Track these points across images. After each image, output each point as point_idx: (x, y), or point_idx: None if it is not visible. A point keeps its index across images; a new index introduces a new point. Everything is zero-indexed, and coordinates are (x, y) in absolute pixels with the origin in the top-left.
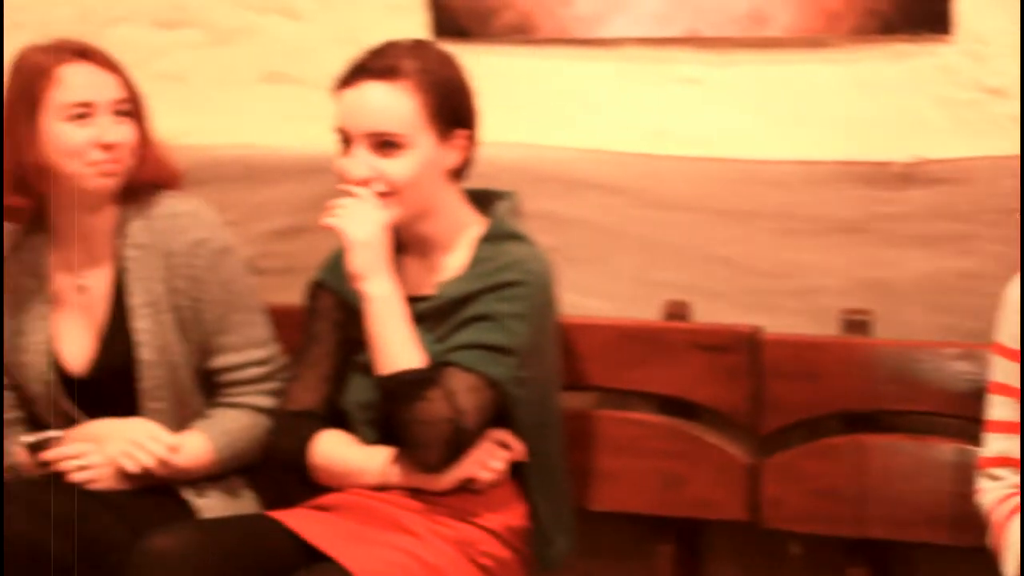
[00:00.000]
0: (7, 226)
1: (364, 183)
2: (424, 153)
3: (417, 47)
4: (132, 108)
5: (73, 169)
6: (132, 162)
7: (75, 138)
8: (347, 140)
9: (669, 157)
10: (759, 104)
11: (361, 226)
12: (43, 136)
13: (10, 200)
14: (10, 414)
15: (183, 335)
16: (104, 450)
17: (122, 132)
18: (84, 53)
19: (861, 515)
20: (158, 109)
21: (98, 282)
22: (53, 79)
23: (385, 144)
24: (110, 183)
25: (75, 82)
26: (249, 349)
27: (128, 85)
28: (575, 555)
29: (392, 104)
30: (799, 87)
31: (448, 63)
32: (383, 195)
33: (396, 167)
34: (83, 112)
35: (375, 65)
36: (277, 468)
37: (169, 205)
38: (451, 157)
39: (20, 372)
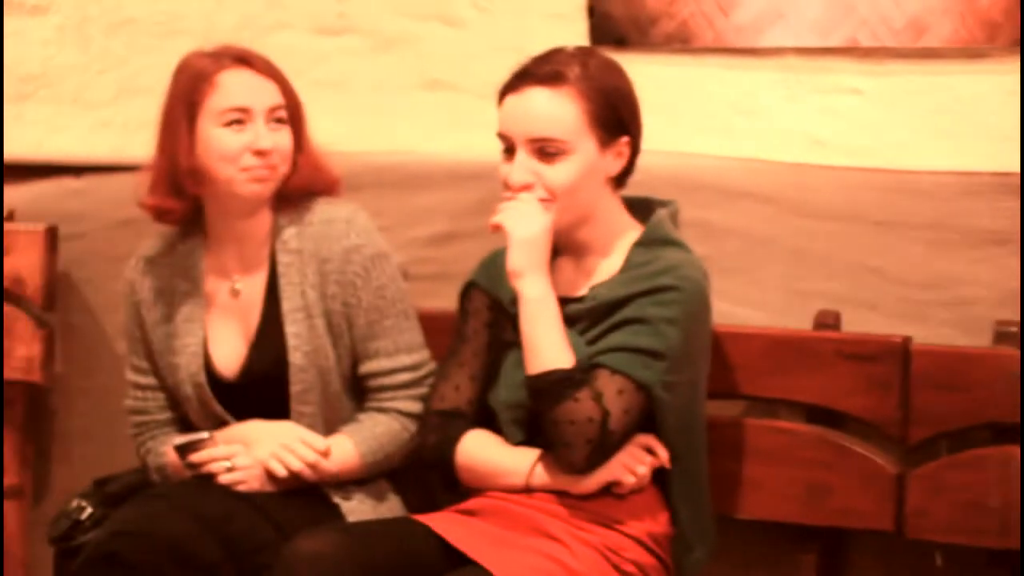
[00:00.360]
0: (163, 228)
1: (525, 188)
2: (585, 159)
3: (582, 53)
4: (289, 115)
5: (227, 174)
6: (287, 169)
7: (230, 143)
8: (509, 145)
9: (823, 167)
10: (916, 114)
11: (525, 225)
12: (200, 140)
13: (163, 202)
14: (162, 415)
15: (334, 340)
16: (253, 452)
17: (277, 139)
18: (244, 59)
19: (1006, 526)
20: (317, 115)
21: (251, 286)
22: (212, 84)
23: (547, 150)
24: (263, 189)
25: (233, 88)
26: (399, 355)
27: (287, 92)
28: (719, 563)
29: (555, 110)
30: (957, 98)
31: (613, 70)
32: (543, 200)
33: (556, 173)
34: (239, 118)
35: (540, 71)
36: (423, 466)
37: (324, 211)
38: (612, 164)
39: (172, 374)
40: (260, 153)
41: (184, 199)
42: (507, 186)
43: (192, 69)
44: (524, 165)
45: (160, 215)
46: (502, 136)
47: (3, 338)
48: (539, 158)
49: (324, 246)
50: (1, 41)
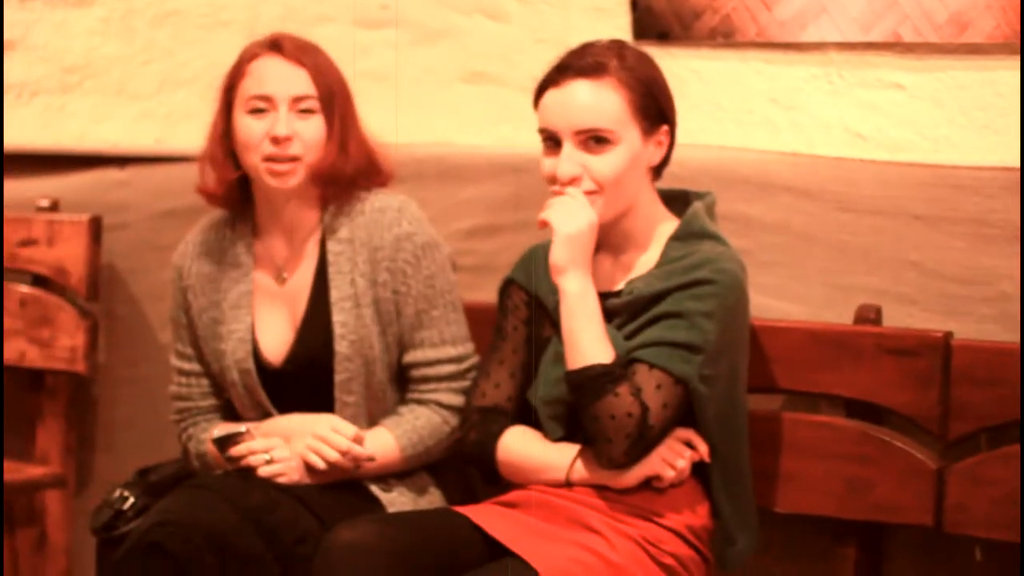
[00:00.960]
0: (212, 215)
1: (573, 181)
2: (631, 149)
3: (617, 46)
4: (324, 105)
5: (251, 162)
6: (313, 159)
7: (251, 130)
8: (553, 140)
9: (864, 161)
10: (958, 110)
11: (571, 221)
12: (232, 127)
13: (207, 185)
14: (205, 402)
15: (382, 329)
16: (292, 445)
17: (298, 127)
18: (276, 46)
19: None
20: (361, 108)
21: (299, 274)
22: (244, 71)
23: (594, 140)
24: (285, 182)
25: (259, 75)
26: (445, 346)
27: (320, 81)
28: (758, 556)
29: (600, 100)
30: (998, 93)
31: (647, 60)
32: (590, 193)
33: (604, 163)
34: (261, 106)
35: (579, 63)
36: (464, 462)
37: (375, 200)
38: (653, 154)
39: (218, 360)
40: (276, 140)
41: (224, 184)
42: (554, 180)
43: (239, 56)
44: (571, 158)
45: (208, 198)
46: (545, 131)
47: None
48: (585, 150)
49: (376, 234)
50: (1, 36)
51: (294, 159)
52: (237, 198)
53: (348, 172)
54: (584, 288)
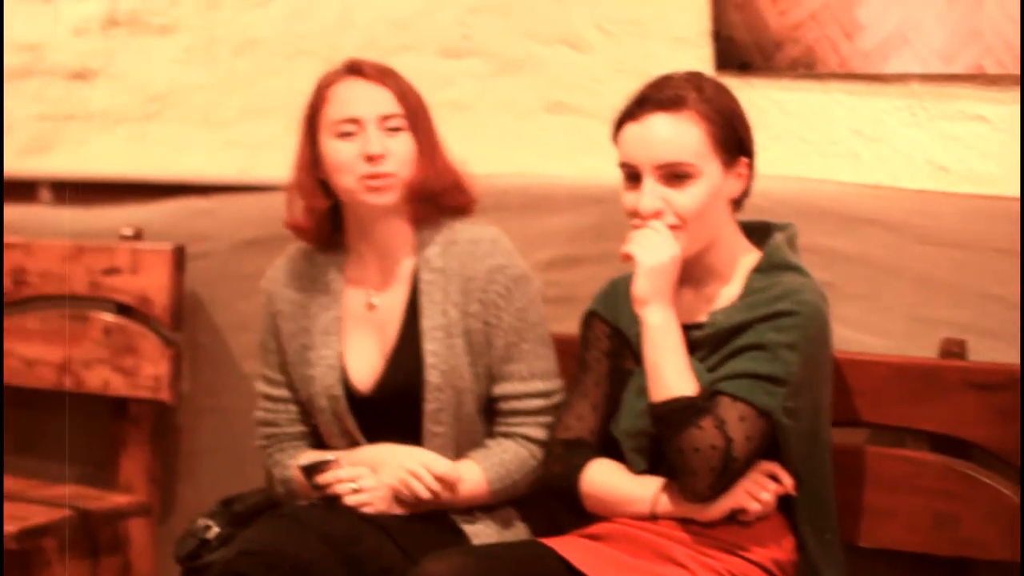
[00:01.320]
0: (300, 245)
1: (655, 215)
2: (711, 182)
3: (695, 77)
4: (410, 123)
5: (346, 184)
6: (407, 175)
7: (344, 153)
8: (633, 174)
9: (947, 194)
10: None
11: (654, 253)
12: (320, 154)
13: (297, 220)
14: (292, 428)
15: (472, 360)
16: (379, 476)
17: (389, 144)
18: (356, 69)
19: None
20: (443, 137)
21: (390, 302)
22: (326, 97)
23: (675, 175)
24: (383, 199)
25: (343, 99)
26: (534, 380)
27: (404, 100)
28: None
29: (680, 134)
30: None
31: (725, 92)
32: (673, 227)
33: (685, 198)
34: (350, 129)
35: (658, 96)
36: (548, 495)
37: (469, 231)
38: (734, 186)
39: (306, 386)
40: (371, 158)
41: (315, 216)
42: (635, 214)
43: (317, 85)
44: (653, 192)
45: (297, 232)
46: (626, 165)
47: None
48: (667, 184)
49: (469, 265)
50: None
51: (390, 175)
52: (327, 229)
53: (439, 188)
54: (667, 320)
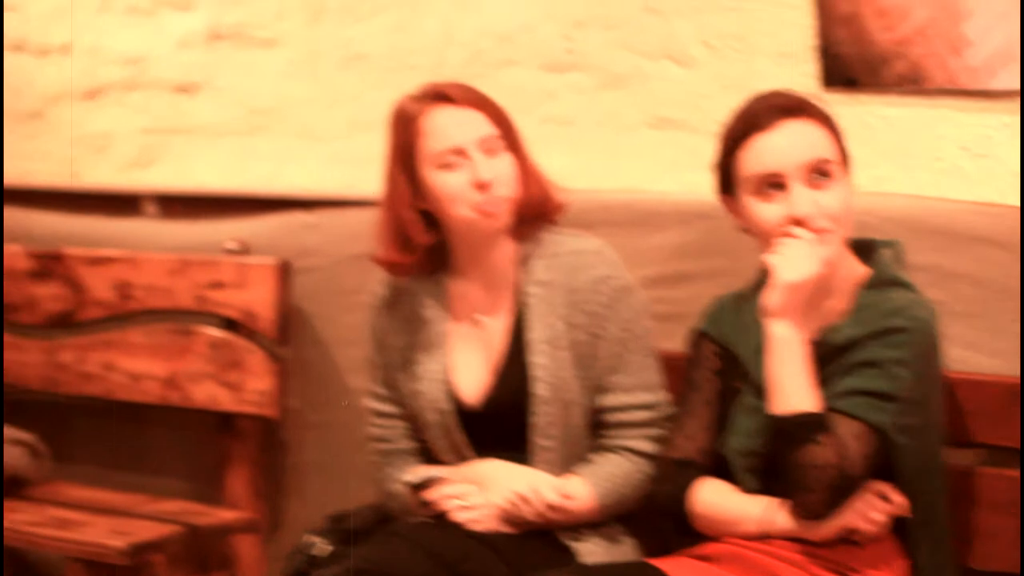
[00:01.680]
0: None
1: (804, 222)
2: (846, 184)
3: (796, 93)
4: (506, 142)
5: (460, 214)
6: (517, 195)
7: (452, 183)
8: (772, 185)
9: None
10: None
11: (796, 269)
12: (423, 187)
13: (393, 255)
14: (404, 443)
15: (578, 372)
16: (488, 493)
17: (496, 167)
18: (445, 96)
19: None
20: (546, 152)
21: (496, 316)
22: (419, 129)
23: (820, 173)
24: (498, 222)
25: (439, 129)
26: (639, 391)
27: (497, 119)
28: None
29: (816, 135)
30: None
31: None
32: (823, 231)
33: (832, 198)
34: (452, 160)
35: (783, 104)
36: (657, 514)
37: (572, 243)
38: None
39: (415, 400)
40: (482, 185)
41: (414, 251)
42: (776, 227)
43: (401, 117)
44: (802, 195)
45: (392, 269)
46: (764, 176)
47: None
48: (812, 186)
49: (574, 276)
50: (1, 75)
51: (503, 200)
52: (428, 261)
53: (538, 200)
54: (793, 334)
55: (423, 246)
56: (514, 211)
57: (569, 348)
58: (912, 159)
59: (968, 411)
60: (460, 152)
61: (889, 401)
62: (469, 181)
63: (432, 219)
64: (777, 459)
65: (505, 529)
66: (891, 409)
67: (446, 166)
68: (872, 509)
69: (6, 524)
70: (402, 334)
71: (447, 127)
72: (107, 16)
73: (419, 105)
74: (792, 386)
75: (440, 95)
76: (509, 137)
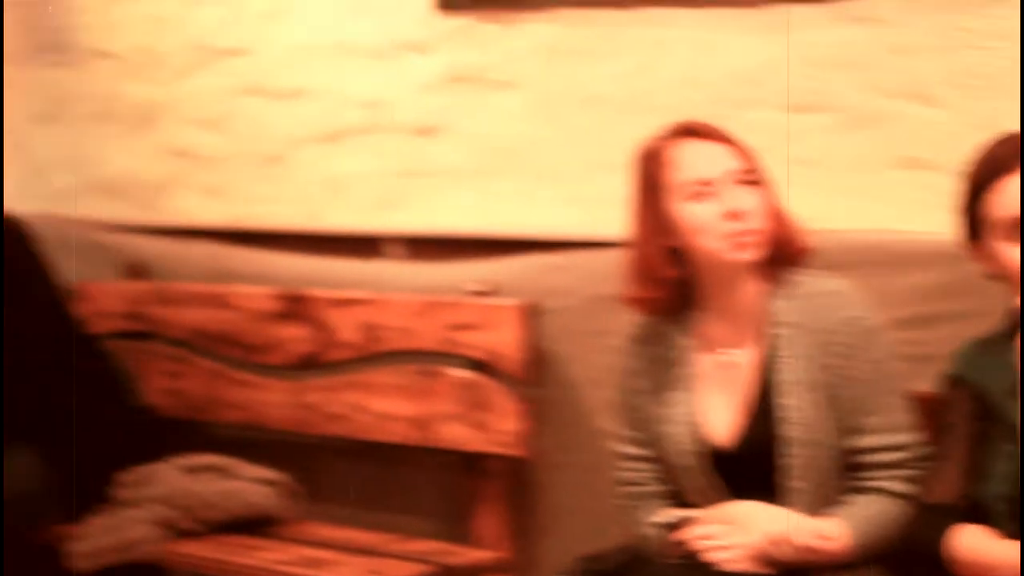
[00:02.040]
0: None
1: None
2: None
3: None
4: (756, 177)
5: (709, 246)
6: (768, 230)
7: (701, 215)
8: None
9: None
10: None
11: None
12: (670, 221)
13: (643, 292)
14: (654, 486)
15: (830, 413)
16: (743, 533)
17: (749, 200)
18: (691, 131)
19: None
20: (793, 193)
21: (743, 357)
22: (666, 162)
23: None
24: (750, 254)
25: (687, 160)
26: (890, 432)
27: (745, 155)
28: None
29: None
30: None
31: None
32: None
33: None
34: (701, 190)
35: None
36: (911, 558)
37: (820, 284)
38: None
39: (662, 444)
40: (735, 215)
41: (663, 286)
42: None
43: (647, 152)
44: None
45: (640, 306)
46: (1018, 220)
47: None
48: None
49: (823, 317)
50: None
51: (755, 231)
52: (674, 297)
53: (786, 238)
54: None
55: (670, 281)
56: (763, 246)
57: (819, 390)
58: None
59: None
60: (708, 183)
61: None
62: (719, 212)
63: (680, 256)
64: None
65: (760, 570)
66: None
67: (695, 196)
68: None
69: (258, 563)
70: (650, 376)
71: (695, 159)
72: (345, 60)
73: (665, 140)
74: None
75: (687, 130)
76: (756, 173)
